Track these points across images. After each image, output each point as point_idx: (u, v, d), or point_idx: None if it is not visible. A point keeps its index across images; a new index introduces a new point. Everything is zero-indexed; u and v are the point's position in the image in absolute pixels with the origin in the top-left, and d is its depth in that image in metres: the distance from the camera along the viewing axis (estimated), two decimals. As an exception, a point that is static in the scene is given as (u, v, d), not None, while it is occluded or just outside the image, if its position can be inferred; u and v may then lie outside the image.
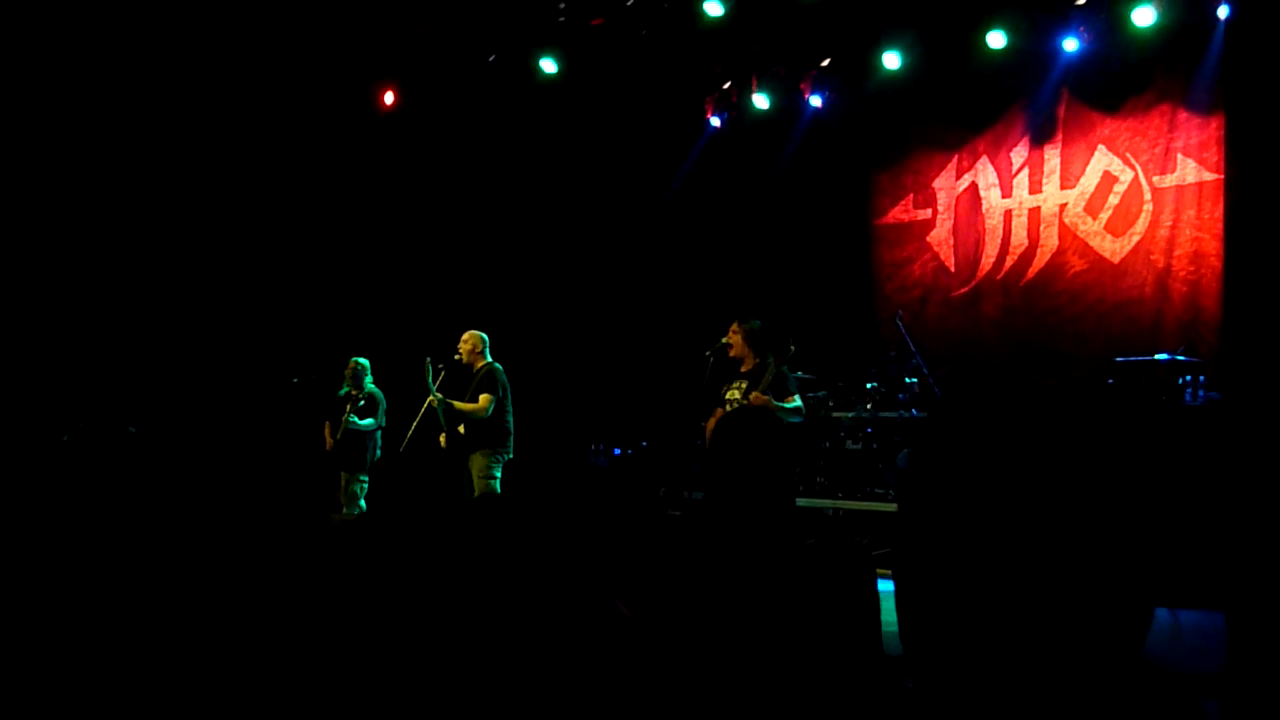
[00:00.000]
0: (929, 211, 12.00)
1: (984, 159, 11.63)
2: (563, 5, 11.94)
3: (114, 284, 12.43)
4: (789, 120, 12.52)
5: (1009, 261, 11.38)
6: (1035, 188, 11.27)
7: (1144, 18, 9.97)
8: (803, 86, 12.04)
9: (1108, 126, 10.79)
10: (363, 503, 10.46)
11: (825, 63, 11.88)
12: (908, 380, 10.53)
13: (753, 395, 7.94)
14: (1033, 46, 10.81)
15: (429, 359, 9.35)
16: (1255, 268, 9.70)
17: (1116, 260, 10.64)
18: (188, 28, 11.92)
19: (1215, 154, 10.10)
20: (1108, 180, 10.74)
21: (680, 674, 2.43)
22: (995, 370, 11.15)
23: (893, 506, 9.97)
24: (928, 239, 11.98)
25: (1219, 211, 10.03)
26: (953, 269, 11.78)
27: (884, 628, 2.68)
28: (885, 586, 2.49)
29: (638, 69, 12.41)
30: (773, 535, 2.75)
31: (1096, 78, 10.78)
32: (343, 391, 10.79)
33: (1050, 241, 11.11)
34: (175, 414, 11.81)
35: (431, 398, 9.29)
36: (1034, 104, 11.22)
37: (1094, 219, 10.82)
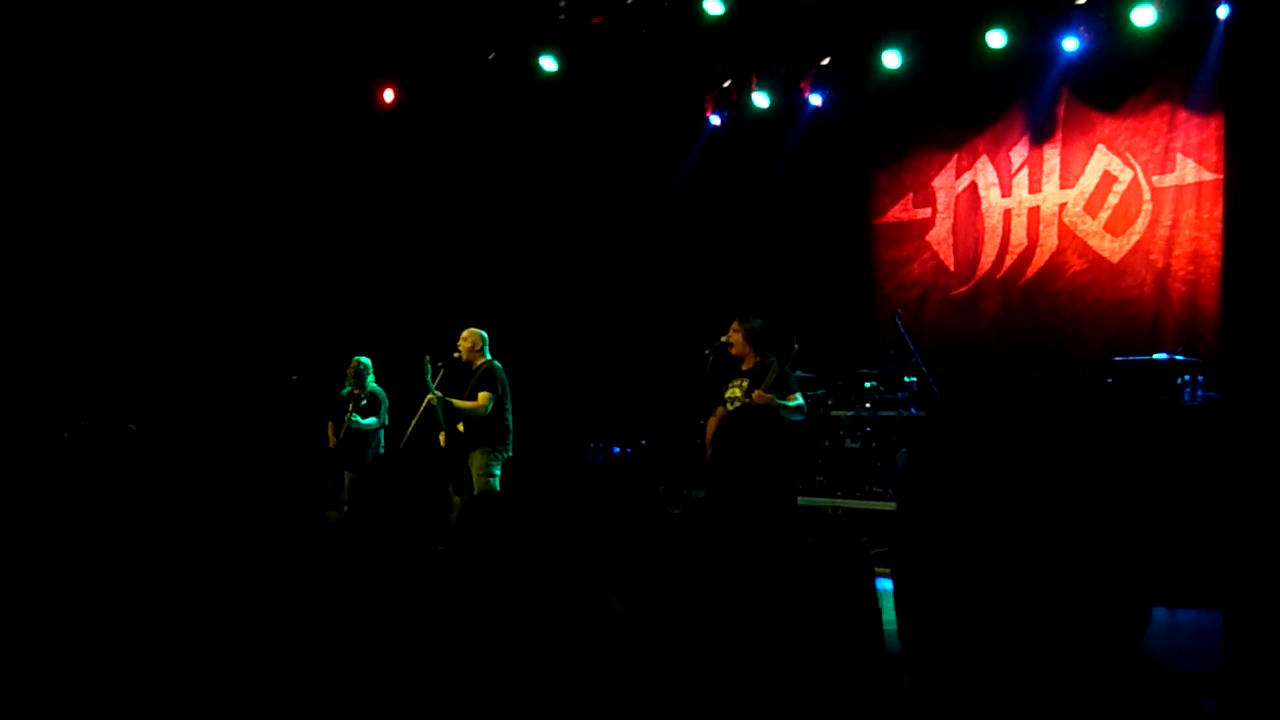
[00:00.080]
0: (928, 210, 12.00)
1: (984, 158, 11.63)
2: (563, 3, 11.95)
3: (114, 282, 12.43)
4: (789, 119, 12.52)
5: (1008, 261, 11.38)
6: (1035, 187, 11.27)
7: (1144, 17, 9.96)
8: (803, 85, 12.04)
9: (1107, 126, 10.79)
10: None
11: (825, 61, 11.87)
12: (907, 379, 10.53)
13: (755, 393, 7.95)
14: (1033, 46, 10.81)
15: (428, 357, 9.35)
16: (1254, 268, 9.70)
17: (1116, 260, 10.64)
18: (188, 26, 11.91)
19: (1215, 154, 10.10)
20: (1107, 180, 10.74)
21: (677, 672, 2.44)
22: (994, 370, 11.16)
23: (891, 505, 9.97)
24: (927, 238, 11.98)
25: (1218, 211, 10.03)
26: (952, 268, 11.78)
27: (883, 626, 2.69)
28: (884, 585, 2.50)
29: (638, 67, 12.41)
30: (775, 534, 2.75)
31: (1096, 77, 10.78)
32: (345, 391, 10.81)
33: (1049, 241, 11.11)
34: (175, 412, 11.82)
35: (431, 396, 9.29)
36: (1034, 103, 11.22)
37: (1093, 218, 10.82)
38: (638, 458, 12.06)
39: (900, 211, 12.20)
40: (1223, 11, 9.85)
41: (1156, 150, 10.45)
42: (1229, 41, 9.96)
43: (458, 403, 9.21)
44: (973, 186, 11.69)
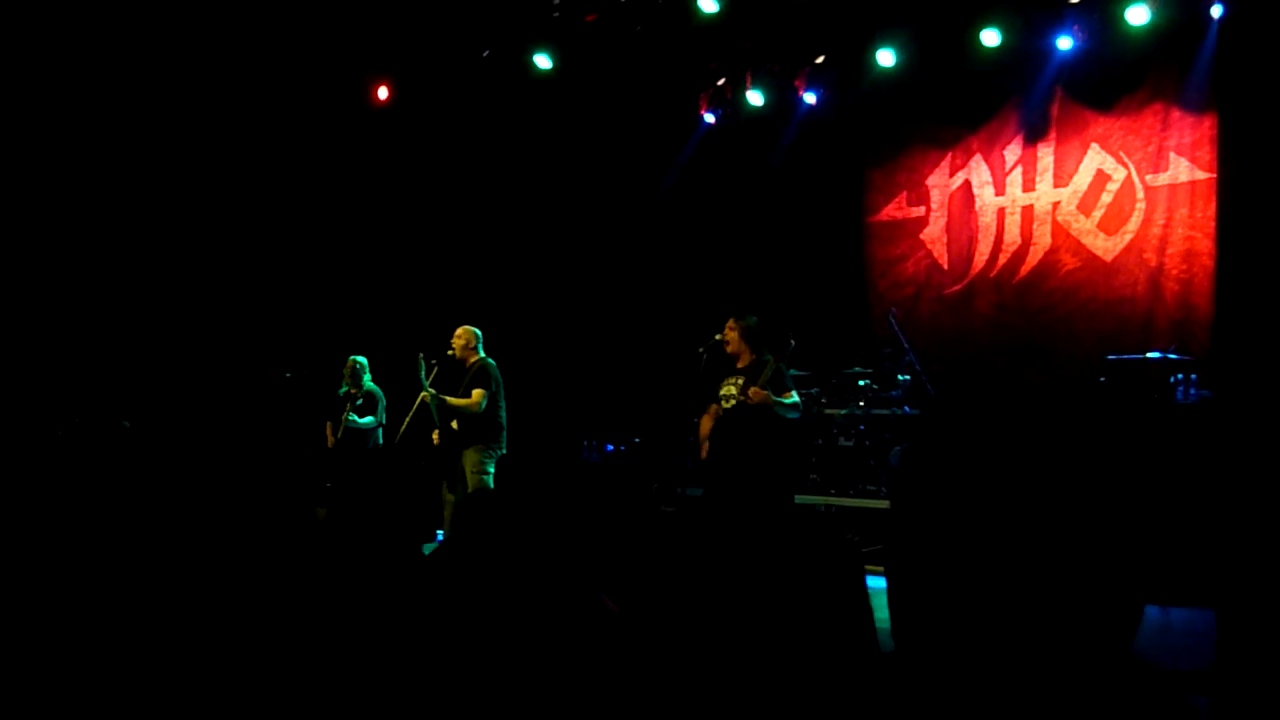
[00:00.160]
0: (922, 209, 12.01)
1: (977, 157, 11.64)
2: (557, 1, 11.94)
3: (108, 279, 12.41)
4: (783, 117, 12.52)
5: (1002, 259, 11.40)
6: (1028, 186, 11.29)
7: (1138, 16, 9.98)
8: (797, 83, 12.04)
9: (1101, 125, 10.80)
10: None
11: (819, 60, 11.87)
12: (900, 377, 10.55)
13: (751, 391, 7.93)
14: (1027, 45, 10.83)
15: (422, 354, 9.34)
16: (1247, 267, 9.72)
17: (1109, 259, 10.66)
18: (182, 22, 11.89)
19: (1208, 153, 10.11)
20: (1101, 179, 10.76)
21: (668, 670, 2.44)
22: (988, 368, 11.17)
23: (884, 503, 9.98)
24: (921, 236, 11.99)
25: (1211, 210, 10.05)
26: (946, 266, 11.79)
27: (876, 624, 2.69)
28: (876, 583, 2.50)
29: (632, 65, 12.41)
30: (774, 532, 2.75)
31: (1090, 76, 10.80)
32: (342, 391, 10.81)
33: (1043, 239, 11.13)
34: (169, 409, 11.81)
35: (424, 393, 9.28)
36: (1028, 102, 11.23)
37: (1087, 217, 10.84)
38: (631, 455, 12.06)
39: (894, 210, 12.21)
40: (1216, 11, 9.88)
41: (1150, 149, 10.47)
42: (1222, 41, 9.98)
43: (452, 400, 9.20)
44: (966, 185, 11.70)
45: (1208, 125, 10.13)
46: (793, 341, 8.25)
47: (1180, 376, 8.63)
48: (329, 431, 10.84)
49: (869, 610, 2.69)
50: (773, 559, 2.65)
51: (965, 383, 11.07)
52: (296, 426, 11.54)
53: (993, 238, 11.48)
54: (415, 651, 2.49)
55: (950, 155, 11.83)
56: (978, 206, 11.61)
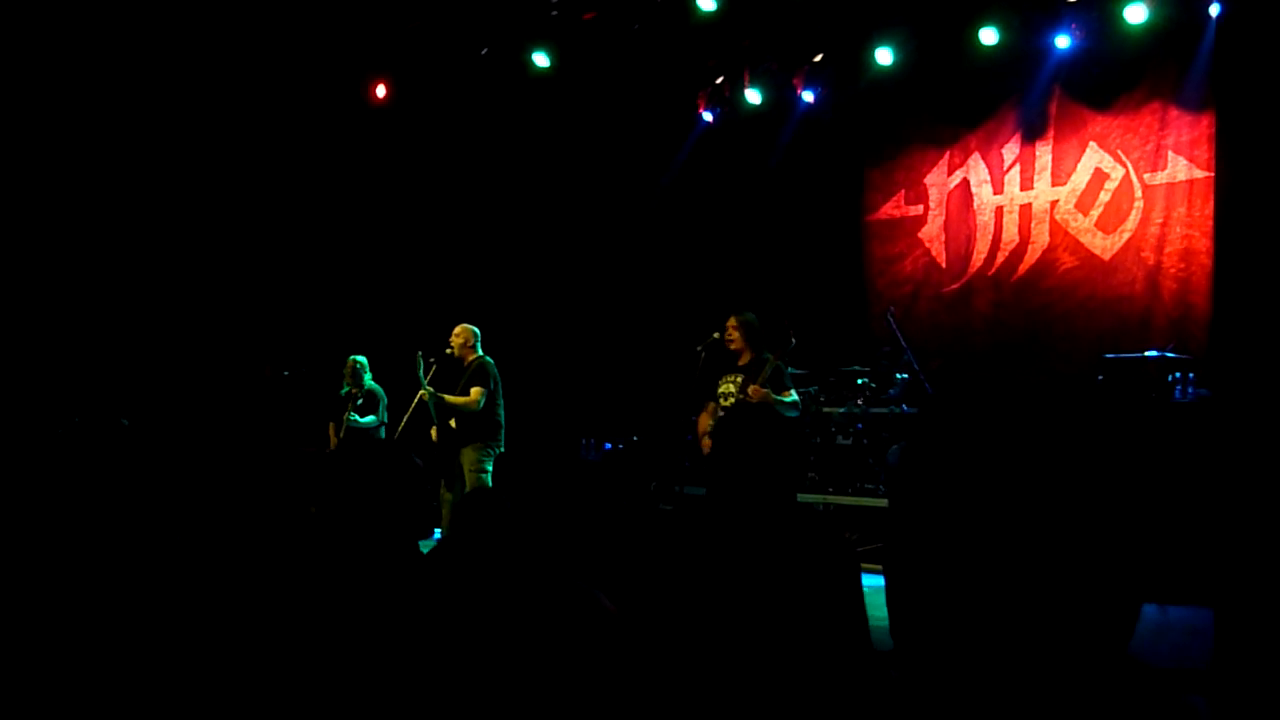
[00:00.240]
0: (920, 207, 12.01)
1: (976, 155, 11.64)
2: (555, -1, 11.96)
3: (107, 278, 12.41)
4: (781, 115, 12.52)
5: (1000, 258, 11.40)
6: (1026, 184, 11.29)
7: (1136, 15, 9.99)
8: (795, 82, 12.04)
9: (1099, 123, 10.81)
10: None
11: (818, 58, 11.87)
12: (898, 376, 10.55)
13: (751, 389, 7.93)
14: (1025, 43, 10.83)
15: (420, 352, 9.35)
16: (1245, 265, 9.72)
17: (1107, 257, 10.66)
18: (181, 22, 11.89)
19: (1206, 151, 10.12)
20: (1099, 177, 10.76)
21: (664, 668, 2.44)
22: (986, 367, 11.18)
23: (883, 502, 9.99)
24: (919, 235, 11.99)
25: (1209, 209, 10.06)
26: (944, 265, 11.79)
27: (873, 622, 2.69)
28: (875, 581, 2.50)
29: (630, 63, 12.40)
30: (777, 531, 2.75)
31: (1088, 75, 10.80)
32: (344, 391, 10.81)
33: (1041, 238, 11.13)
34: (168, 408, 11.80)
35: (423, 391, 9.28)
36: (1026, 101, 11.23)
37: (1085, 216, 10.84)
38: (630, 453, 12.07)
39: (892, 208, 12.21)
40: (1214, 9, 9.88)
41: (1148, 148, 10.47)
42: (1220, 39, 9.98)
43: (450, 398, 9.21)
44: (965, 184, 11.71)
45: (1206, 124, 10.13)
46: (793, 339, 8.25)
47: (1178, 375, 8.64)
48: (331, 432, 10.85)
49: (863, 609, 2.69)
50: (770, 557, 2.65)
51: (963, 381, 11.07)
52: (295, 425, 11.54)
53: (991, 236, 11.48)
54: (412, 650, 2.49)
55: (948, 154, 11.83)
56: (976, 205, 11.61)
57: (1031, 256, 11.18)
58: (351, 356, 10.84)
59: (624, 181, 13.45)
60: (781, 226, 12.66)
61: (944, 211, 11.84)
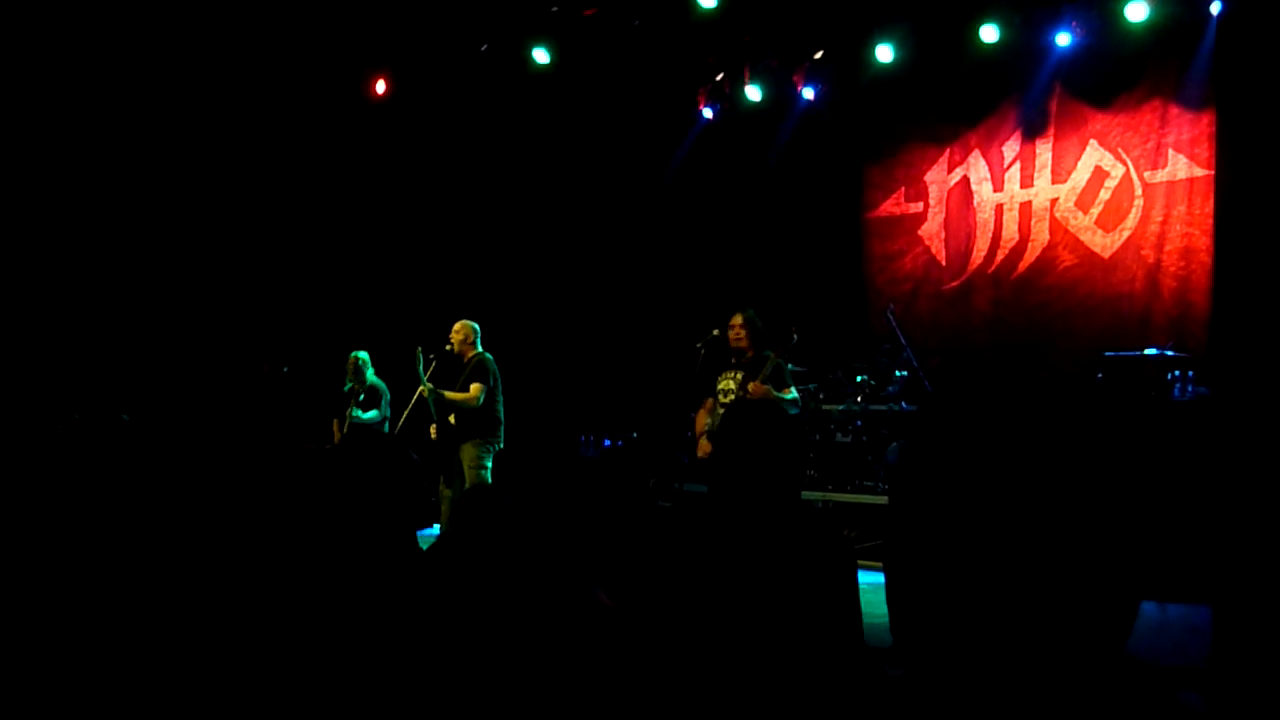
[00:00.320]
0: (920, 205, 12.01)
1: (976, 153, 11.64)
2: (556, -5, 11.95)
3: (107, 274, 12.41)
4: (781, 112, 12.52)
5: (1000, 256, 11.40)
6: (1027, 182, 11.29)
7: (1136, 13, 9.99)
8: (795, 78, 12.04)
9: (1099, 121, 10.80)
10: None
11: (818, 55, 11.88)
12: (898, 373, 10.55)
13: (751, 385, 7.93)
14: (1025, 41, 10.82)
15: (420, 349, 9.34)
16: (1245, 264, 9.72)
17: (1107, 255, 10.66)
18: (180, 16, 11.88)
19: (1206, 150, 10.12)
20: (1099, 175, 10.76)
21: (660, 663, 2.44)
22: (985, 364, 11.18)
23: (882, 499, 9.99)
24: (919, 232, 11.99)
25: (1209, 207, 10.05)
26: (944, 263, 11.79)
27: (873, 619, 2.69)
28: (874, 578, 2.51)
29: (630, 59, 12.40)
30: (773, 527, 2.76)
31: (1089, 72, 10.80)
32: (347, 387, 10.82)
33: (1041, 236, 11.13)
34: (168, 403, 11.80)
35: (422, 387, 9.28)
36: (1026, 98, 11.23)
37: (1085, 214, 10.84)
38: (629, 450, 12.07)
39: (892, 206, 12.21)
40: (1215, 7, 9.88)
41: (1148, 146, 10.47)
42: (1221, 37, 9.98)
43: (450, 394, 9.20)
44: (965, 181, 11.70)
45: (1206, 122, 10.13)
46: (795, 335, 8.25)
47: (1177, 373, 8.64)
48: (335, 428, 10.85)
49: (858, 605, 2.70)
50: (767, 554, 2.65)
51: (962, 379, 11.07)
52: (294, 421, 11.54)
53: (991, 234, 11.48)
54: (411, 645, 2.50)
55: (949, 151, 11.83)
56: (976, 203, 11.61)
57: (1031, 254, 11.18)
58: (353, 353, 10.84)
59: (624, 178, 13.44)
60: (781, 223, 12.66)
61: (944, 209, 11.84)
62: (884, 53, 11.33)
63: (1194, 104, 10.18)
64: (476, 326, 9.50)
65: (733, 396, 8.05)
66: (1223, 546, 5.83)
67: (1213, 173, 10.05)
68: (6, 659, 2.69)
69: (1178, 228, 10.22)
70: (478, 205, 13.76)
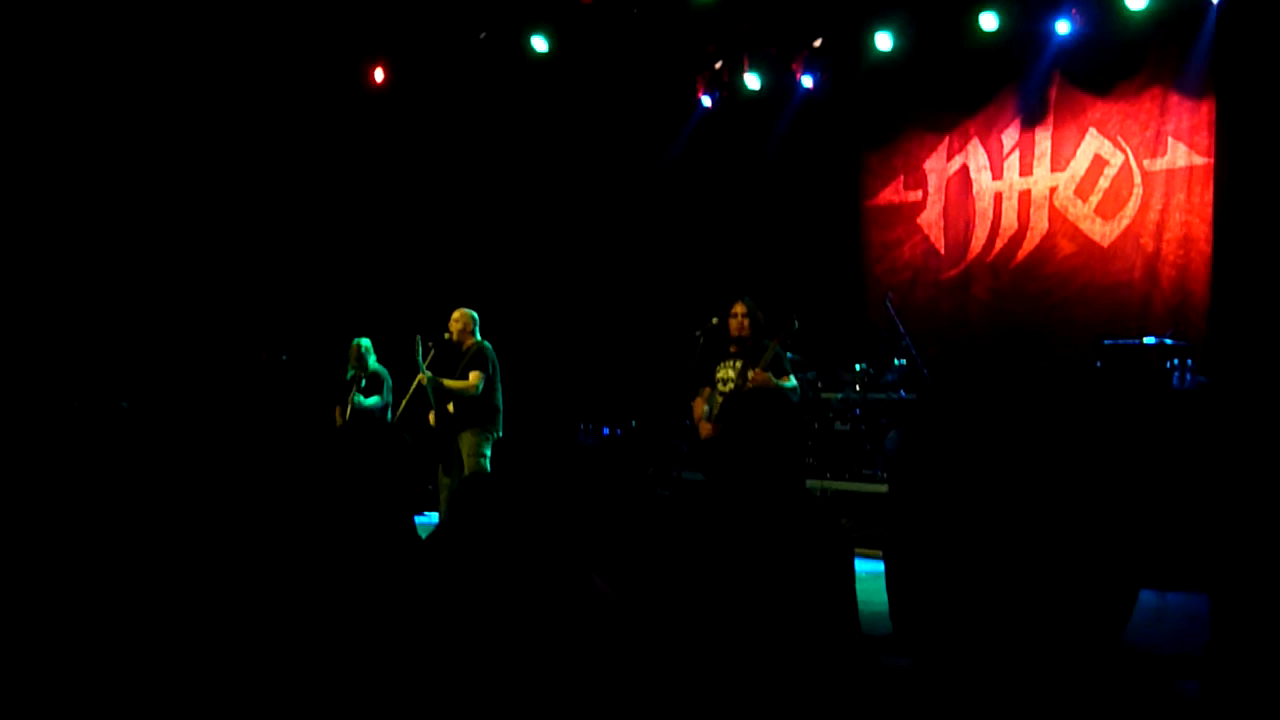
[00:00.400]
0: (919, 193, 12.00)
1: (975, 141, 11.63)
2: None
3: (106, 263, 12.40)
4: (780, 100, 12.51)
5: (999, 244, 11.40)
6: (1026, 170, 11.28)
7: (1136, 1, 9.97)
8: (794, 66, 12.02)
9: (1099, 109, 10.79)
10: None
11: (817, 43, 11.85)
12: (896, 362, 10.55)
13: (752, 373, 7.93)
14: (1025, 28, 10.81)
15: (419, 337, 9.34)
16: (1244, 252, 9.71)
17: (1106, 244, 10.66)
18: (179, 3, 11.86)
19: (1206, 138, 10.10)
20: (1098, 163, 10.75)
21: (658, 650, 2.45)
22: (984, 353, 11.18)
23: (880, 487, 10.00)
24: (918, 221, 11.98)
25: (1209, 196, 10.04)
26: (942, 251, 11.79)
27: (870, 608, 2.70)
28: (873, 567, 2.51)
29: (629, 47, 12.38)
30: (772, 515, 2.76)
31: (1088, 61, 10.78)
32: (349, 374, 10.83)
33: (1040, 224, 11.12)
34: (167, 392, 11.81)
35: (421, 375, 9.29)
36: (1025, 86, 11.21)
37: (1084, 202, 10.83)
38: (627, 439, 12.07)
39: (891, 194, 12.20)
40: (1215, -4, 9.87)
41: (1148, 134, 10.46)
42: (1221, 25, 9.96)
43: (449, 382, 9.20)
44: (964, 169, 11.69)
45: (1206, 110, 10.11)
46: (797, 323, 8.25)
47: (1176, 362, 8.64)
48: (338, 414, 10.87)
49: (853, 593, 2.70)
50: (764, 542, 2.66)
51: (961, 367, 11.08)
52: (292, 409, 11.55)
53: (990, 222, 11.48)
54: (410, 633, 2.50)
55: (948, 139, 11.82)
56: (975, 191, 11.60)
57: (1030, 243, 11.18)
58: (356, 339, 10.85)
59: (622, 166, 13.43)
60: (780, 211, 12.65)
61: (943, 197, 11.83)
62: (883, 40, 11.32)
63: (1194, 92, 10.17)
64: (475, 315, 9.50)
65: (732, 385, 8.06)
66: (1221, 535, 5.83)
67: (1212, 161, 10.04)
68: (7, 643, 2.69)
69: (1177, 216, 10.22)
70: (476, 194, 13.75)
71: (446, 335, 9.39)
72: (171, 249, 12.73)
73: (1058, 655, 1.60)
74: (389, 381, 10.80)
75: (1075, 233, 10.86)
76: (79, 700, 2.62)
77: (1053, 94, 11.08)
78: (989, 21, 10.73)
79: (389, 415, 10.78)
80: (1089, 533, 1.66)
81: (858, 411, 10.61)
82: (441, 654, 2.44)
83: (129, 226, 12.54)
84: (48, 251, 12.10)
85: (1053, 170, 11.07)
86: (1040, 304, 11.00)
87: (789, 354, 8.57)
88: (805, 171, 12.55)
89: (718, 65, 12.58)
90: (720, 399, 8.13)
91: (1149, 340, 8.95)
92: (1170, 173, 10.30)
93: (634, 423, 12.19)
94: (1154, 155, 10.40)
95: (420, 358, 9.28)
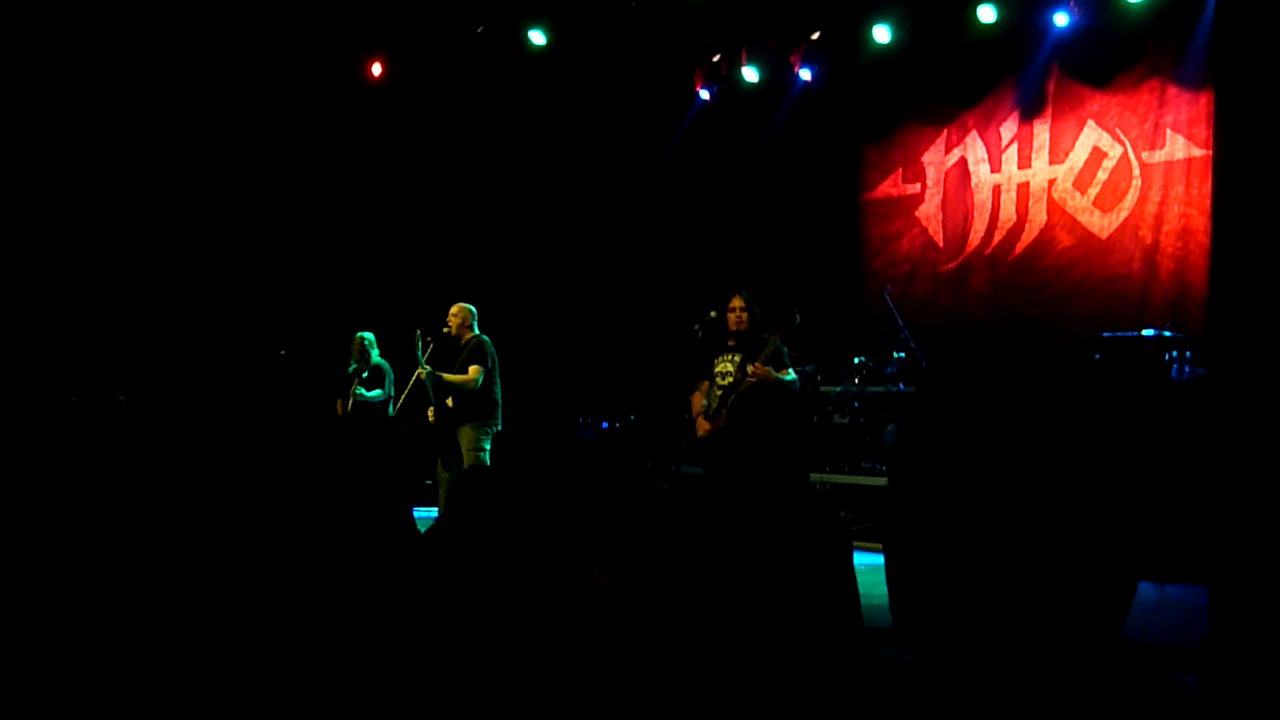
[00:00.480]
0: (918, 186, 11.99)
1: (973, 134, 11.62)
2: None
3: (104, 257, 12.40)
4: (778, 94, 12.50)
5: (997, 237, 11.39)
6: (1024, 163, 11.27)
7: (1135, -8, 9.98)
8: (792, 59, 12.01)
9: (1097, 102, 10.78)
10: None
11: (815, 36, 11.84)
12: (895, 355, 10.55)
13: (752, 367, 7.93)
14: (1023, 21, 10.80)
15: (419, 331, 9.35)
16: (1242, 244, 9.70)
17: (1104, 236, 10.65)
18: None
19: (1204, 130, 10.09)
20: (1096, 156, 10.74)
21: (658, 646, 2.45)
22: (982, 345, 11.17)
23: (879, 480, 10.00)
24: (916, 214, 11.97)
25: (1207, 188, 10.03)
26: (941, 244, 11.78)
27: (869, 601, 2.70)
28: (872, 560, 2.51)
29: (627, 41, 12.36)
30: (772, 509, 2.76)
31: (1087, 53, 10.77)
32: (351, 368, 10.84)
33: (1038, 217, 11.12)
34: (165, 385, 11.81)
35: (420, 370, 9.29)
36: (1024, 79, 11.20)
37: (1082, 195, 10.82)
38: (626, 433, 12.07)
39: (889, 187, 12.19)
40: (1213, -13, 9.86)
41: (1146, 126, 10.44)
42: (1220, 17, 9.95)
43: (448, 376, 9.20)
44: (962, 162, 11.68)
45: (1204, 102, 10.10)
46: (798, 317, 8.24)
47: (1175, 354, 8.62)
48: (339, 408, 10.87)
49: (855, 587, 2.70)
50: (764, 536, 2.65)
51: (960, 360, 11.07)
52: (291, 404, 11.55)
53: (988, 215, 11.47)
54: (410, 628, 2.50)
55: (946, 132, 11.81)
56: (973, 184, 11.59)
57: (1029, 235, 11.17)
58: (359, 333, 10.86)
59: (621, 160, 13.43)
60: (778, 205, 12.65)
61: (941, 190, 11.82)
62: (881, 33, 11.31)
63: (1192, 84, 10.16)
64: (473, 309, 9.50)
65: (730, 379, 8.05)
66: (1220, 527, 5.84)
67: (1210, 153, 10.03)
68: (6, 634, 2.69)
69: (1175, 208, 10.21)
70: (474, 188, 13.75)
71: (445, 330, 9.40)
72: (170, 243, 12.72)
73: (1056, 648, 1.60)
74: (390, 375, 10.82)
75: (1074, 225, 10.86)
76: (79, 689, 2.62)
77: (1051, 86, 11.06)
78: (987, 14, 10.72)
79: (390, 409, 10.80)
80: (1087, 525, 1.66)
81: (857, 404, 10.61)
82: (441, 648, 2.44)
83: (127, 220, 12.53)
84: (45, 245, 12.09)
85: (1051, 163, 11.06)
86: (1039, 296, 10.99)
87: (785, 348, 8.57)
88: (803, 165, 12.54)
89: (716, 58, 12.57)
90: (719, 393, 8.13)
91: (1147, 332, 8.94)
92: (1169, 165, 10.29)
93: (633, 417, 12.19)
94: (1152, 147, 10.39)
95: (419, 352, 9.29)
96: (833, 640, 2.54)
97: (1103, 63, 10.71)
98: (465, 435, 9.15)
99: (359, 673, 2.49)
